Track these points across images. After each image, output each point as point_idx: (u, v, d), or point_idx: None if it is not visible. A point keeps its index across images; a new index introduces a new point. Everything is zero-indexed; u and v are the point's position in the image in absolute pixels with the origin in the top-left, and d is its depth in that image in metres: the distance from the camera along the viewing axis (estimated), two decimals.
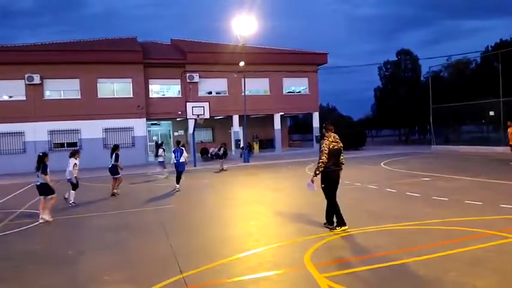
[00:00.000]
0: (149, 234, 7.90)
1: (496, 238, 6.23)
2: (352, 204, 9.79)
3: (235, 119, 30.80)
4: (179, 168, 14.00)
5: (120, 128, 27.49)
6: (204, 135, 34.67)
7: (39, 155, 9.53)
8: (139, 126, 27.94)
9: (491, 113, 25.05)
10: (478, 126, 34.64)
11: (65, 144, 26.49)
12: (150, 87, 29.55)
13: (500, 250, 5.72)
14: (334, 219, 7.34)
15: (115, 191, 13.37)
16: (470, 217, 7.75)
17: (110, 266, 6.01)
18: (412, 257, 5.49)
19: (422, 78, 48.12)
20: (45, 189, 9.37)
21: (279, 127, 32.72)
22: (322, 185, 7.51)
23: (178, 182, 13.91)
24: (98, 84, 27.38)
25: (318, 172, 7.34)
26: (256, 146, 33.05)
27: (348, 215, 8.62)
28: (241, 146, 28.53)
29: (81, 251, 6.87)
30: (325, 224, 7.52)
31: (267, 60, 31.66)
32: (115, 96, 27.96)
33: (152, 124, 34.63)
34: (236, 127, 31.12)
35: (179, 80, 30.05)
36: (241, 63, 25.47)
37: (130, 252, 6.70)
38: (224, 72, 30.18)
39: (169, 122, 34.62)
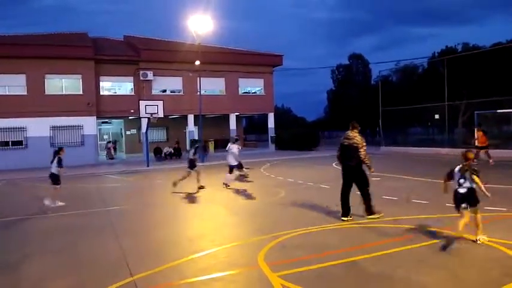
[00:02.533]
0: (98, 236, 7.62)
1: (442, 236, 6.51)
2: (305, 203, 9.93)
3: (190, 118, 30.46)
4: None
5: (68, 126, 26.37)
6: (158, 135, 33.99)
7: (55, 150, 11.37)
8: (89, 124, 26.94)
9: (437, 116, 26.34)
10: (424, 128, 36.35)
11: (10, 143, 25.13)
12: (101, 84, 28.60)
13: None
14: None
15: (55, 204, 10.77)
16: (418, 215, 8.07)
17: (56, 269, 5.74)
18: (363, 255, 5.65)
19: (372, 82, 49.87)
20: (54, 179, 10.77)
21: (235, 127, 32.68)
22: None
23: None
24: (45, 80, 26.11)
25: (371, 164, 8.07)
26: (211, 146, 32.84)
27: (301, 214, 8.78)
28: (196, 145, 28.20)
29: (26, 254, 6.51)
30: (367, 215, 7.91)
31: (223, 60, 31.56)
32: (64, 93, 26.77)
33: (103, 122, 33.55)
34: (191, 127, 30.79)
35: (132, 78, 29.27)
36: (197, 62, 25.23)
37: (78, 255, 6.43)
38: (179, 71, 29.76)
39: (121, 120, 33.67)
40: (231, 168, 13.65)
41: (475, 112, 21.71)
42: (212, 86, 31.63)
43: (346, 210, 7.90)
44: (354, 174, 7.99)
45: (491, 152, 17.73)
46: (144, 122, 24.04)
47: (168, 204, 11.00)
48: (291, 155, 26.66)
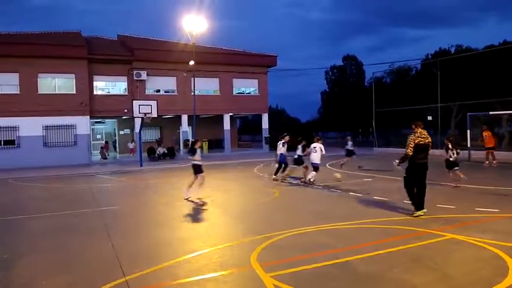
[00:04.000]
0: (90, 236, 7.59)
1: (433, 236, 6.57)
2: (298, 204, 9.98)
3: (184, 118, 30.42)
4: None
5: (61, 126, 26.23)
6: (151, 135, 33.88)
7: (191, 141, 11.77)
8: (82, 124, 26.80)
9: (430, 118, 26.49)
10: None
11: (2, 142, 24.96)
12: (95, 83, 28.49)
13: (437, 248, 6.04)
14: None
15: None
16: (408, 216, 8.12)
17: (49, 270, 5.71)
18: (356, 255, 5.68)
19: (366, 83, 50.02)
20: (196, 169, 10.98)
21: (229, 127, 32.69)
22: (405, 174, 8.27)
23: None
24: (38, 80, 25.98)
25: (401, 161, 8.23)
26: (205, 146, 32.81)
27: (294, 215, 8.80)
28: (189, 146, 28.19)
29: (18, 254, 6.47)
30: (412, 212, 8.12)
31: (217, 60, 31.55)
32: (57, 92, 26.66)
33: (96, 122, 33.40)
34: (185, 127, 30.74)
35: (125, 77, 29.19)
36: (191, 62, 25.22)
37: (71, 255, 6.40)
38: (173, 71, 29.71)
39: (115, 120, 33.56)
40: (316, 168, 13.54)
41: (468, 114, 21.85)
42: (206, 86, 31.60)
43: (421, 202, 8.12)
44: (426, 172, 8.17)
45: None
46: (137, 122, 23.95)
47: (160, 204, 10.97)
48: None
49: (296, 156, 14.16)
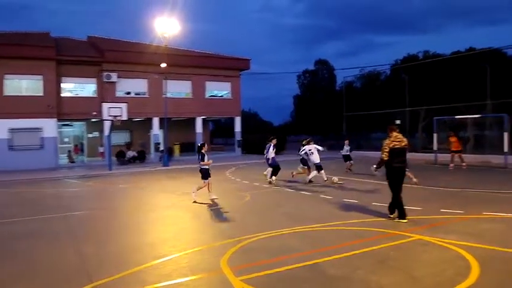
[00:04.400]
0: (57, 242, 7.36)
1: (401, 237, 6.72)
2: (269, 207, 10.00)
3: (155, 121, 30.03)
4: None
5: (28, 129, 25.36)
6: (121, 138, 33.25)
7: (198, 146, 11.53)
8: (49, 126, 26.02)
9: (398, 122, 27.12)
10: (386, 133, 37.31)
11: None
12: (63, 85, 27.73)
13: (402, 248, 6.18)
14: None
15: None
16: (377, 218, 8.28)
17: (12, 277, 5.50)
18: (324, 257, 5.73)
19: (337, 88, 50.80)
20: (204, 174, 11.11)
21: (201, 131, 32.49)
22: (387, 180, 8.23)
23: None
24: (4, 81, 25.05)
25: (377, 166, 8.65)
26: (177, 150, 32.49)
27: (265, 218, 8.82)
28: (160, 149, 27.87)
29: None
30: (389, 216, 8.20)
31: (190, 62, 31.34)
32: (23, 94, 25.77)
33: (64, 125, 32.50)
34: (156, 130, 30.35)
35: (95, 79, 28.59)
36: (163, 65, 24.93)
37: (36, 261, 6.19)
38: (144, 73, 29.31)
39: (83, 123, 32.77)
40: (318, 167, 14.23)
41: (434, 118, 22.50)
42: (178, 88, 31.31)
43: (404, 212, 7.97)
44: (403, 176, 8.16)
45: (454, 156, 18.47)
46: (107, 125, 23.48)
47: (129, 209, 10.77)
48: (258, 159, 26.71)
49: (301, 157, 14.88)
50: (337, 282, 4.88)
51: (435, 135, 21.66)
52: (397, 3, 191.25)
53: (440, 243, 6.31)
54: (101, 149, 30.11)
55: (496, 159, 19.96)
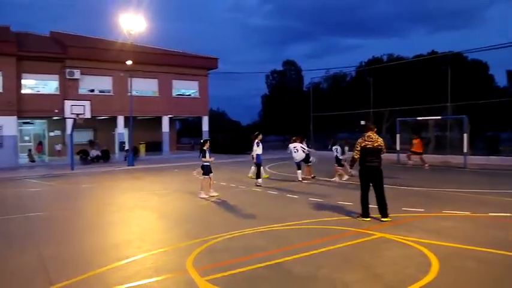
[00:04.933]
0: (15, 244, 7.08)
1: (364, 235, 6.86)
2: (236, 207, 9.97)
3: (120, 120, 29.43)
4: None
5: None
6: (84, 137, 32.36)
7: (201, 142, 11.86)
8: (8, 124, 25.02)
9: (363, 122, 27.68)
10: (352, 134, 38.03)
11: None
12: (23, 82, 26.76)
13: (366, 246, 6.31)
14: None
15: None
16: (342, 217, 8.42)
17: None
18: (289, 256, 5.78)
19: (304, 88, 51.32)
20: (205, 170, 11.44)
21: (167, 130, 32.09)
22: (359, 178, 8.34)
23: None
24: None
25: (350, 164, 9.00)
26: (142, 149, 31.93)
27: (231, 218, 8.80)
28: (125, 148, 27.33)
29: None
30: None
31: (156, 60, 30.90)
32: None
33: (24, 123, 31.34)
34: (121, 128, 29.74)
35: (57, 76, 27.73)
36: (129, 62, 24.44)
37: None
38: (109, 70, 28.67)
39: (45, 120, 31.70)
40: (298, 166, 14.74)
41: (397, 119, 23.11)
42: (144, 86, 30.77)
43: (368, 211, 8.14)
44: (378, 176, 8.10)
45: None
46: (69, 123, 22.79)
47: (93, 210, 10.49)
48: (225, 159, 26.65)
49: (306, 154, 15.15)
50: (301, 281, 4.92)
51: (398, 136, 22.25)
52: (364, 7, 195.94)
53: (402, 241, 6.48)
54: (57, 147, 29.27)
55: (456, 159, 20.71)
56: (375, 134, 8.23)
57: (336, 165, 14.99)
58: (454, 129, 25.93)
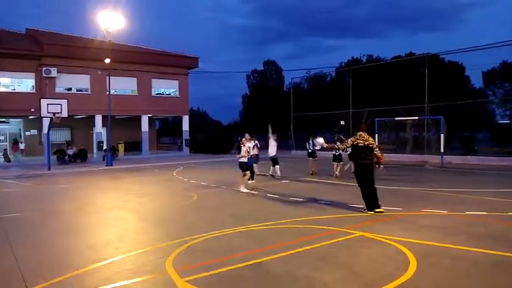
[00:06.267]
0: None
1: (344, 234, 6.91)
2: (216, 207, 9.93)
3: (98, 119, 28.99)
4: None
5: None
6: (62, 136, 31.76)
7: (238, 140, 12.57)
8: None
9: (342, 122, 27.98)
10: (332, 133, 38.37)
11: None
12: None
13: (345, 245, 6.35)
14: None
15: None
16: (321, 216, 8.47)
17: None
18: (269, 256, 5.78)
19: (285, 89, 51.47)
20: (241, 167, 12.21)
21: (147, 129, 31.78)
22: (356, 176, 8.99)
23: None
24: None
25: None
26: (121, 149, 31.53)
27: (211, 218, 8.77)
28: (104, 148, 26.92)
29: None
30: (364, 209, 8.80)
31: (135, 59, 30.56)
32: None
33: None
34: (99, 128, 29.28)
35: (34, 74, 27.17)
36: (107, 60, 24.08)
37: None
38: (87, 69, 28.24)
39: (20, 120, 30.98)
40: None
41: (376, 119, 23.41)
42: (123, 85, 30.44)
43: (371, 204, 8.66)
44: (369, 172, 8.71)
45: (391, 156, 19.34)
46: (45, 122, 22.32)
47: (70, 210, 10.28)
48: (206, 158, 26.55)
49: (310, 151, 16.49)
50: (280, 280, 4.93)
51: (376, 136, 22.55)
52: (345, 8, 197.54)
53: (381, 239, 6.56)
54: (21, 146, 28.78)
55: (433, 159, 21.12)
56: (366, 134, 8.90)
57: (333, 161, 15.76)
58: (431, 130, 26.45)
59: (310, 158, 16.87)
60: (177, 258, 5.86)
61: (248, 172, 12.79)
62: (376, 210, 8.57)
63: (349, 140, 9.03)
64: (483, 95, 29.47)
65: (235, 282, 4.90)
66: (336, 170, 15.47)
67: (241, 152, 12.40)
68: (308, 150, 16.92)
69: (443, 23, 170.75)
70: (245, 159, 12.45)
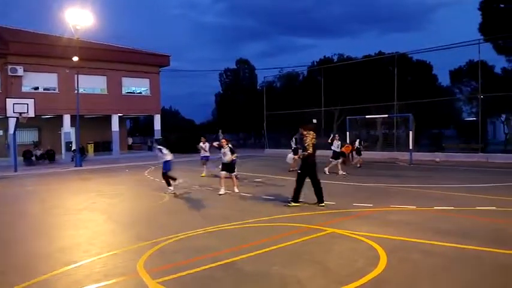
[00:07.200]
0: None
1: (315, 231, 6.98)
2: (187, 208, 9.85)
3: (67, 118, 28.27)
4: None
5: None
6: (29, 136, 30.80)
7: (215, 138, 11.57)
8: None
9: (315, 121, 28.25)
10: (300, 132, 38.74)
11: None
12: None
13: (318, 242, 6.42)
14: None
15: None
16: (294, 213, 8.53)
17: None
18: (241, 255, 5.77)
19: (258, 87, 51.53)
20: (229, 167, 11.83)
21: (117, 129, 31.20)
22: (299, 171, 9.50)
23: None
24: None
25: (301, 157, 9.48)
26: (90, 149, 30.84)
27: (182, 219, 8.70)
28: (72, 148, 26.29)
29: None
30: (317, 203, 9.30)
31: (105, 57, 29.94)
32: None
33: None
34: (67, 128, 28.56)
35: None
36: (75, 58, 23.48)
37: None
38: (54, 67, 27.49)
39: None
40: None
41: (347, 117, 23.76)
42: (92, 84, 29.79)
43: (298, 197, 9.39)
44: (315, 169, 9.44)
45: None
46: (12, 122, 21.60)
47: (38, 213, 9.99)
48: (178, 158, 26.17)
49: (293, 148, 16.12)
50: (253, 279, 4.94)
51: (348, 134, 22.89)
52: (318, 8, 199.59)
53: (352, 235, 6.66)
54: None
55: (402, 155, 21.60)
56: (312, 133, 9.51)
57: (331, 159, 16.09)
58: (400, 127, 27.05)
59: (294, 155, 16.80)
60: (149, 259, 5.78)
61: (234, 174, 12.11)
62: (321, 205, 9.17)
63: (309, 140, 9.34)
64: (450, 93, 30.30)
65: (208, 283, 4.87)
66: (340, 169, 15.80)
67: (221, 150, 12.15)
68: (292, 148, 16.69)
69: (415, 24, 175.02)
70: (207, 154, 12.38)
